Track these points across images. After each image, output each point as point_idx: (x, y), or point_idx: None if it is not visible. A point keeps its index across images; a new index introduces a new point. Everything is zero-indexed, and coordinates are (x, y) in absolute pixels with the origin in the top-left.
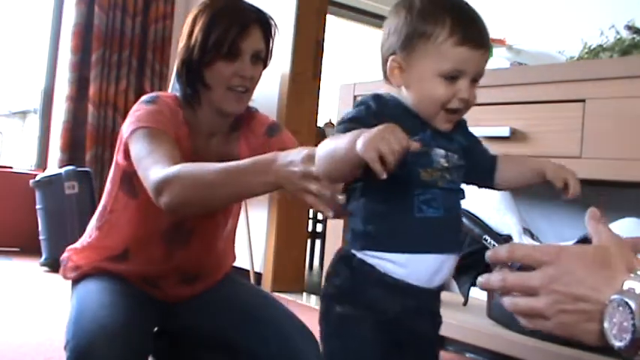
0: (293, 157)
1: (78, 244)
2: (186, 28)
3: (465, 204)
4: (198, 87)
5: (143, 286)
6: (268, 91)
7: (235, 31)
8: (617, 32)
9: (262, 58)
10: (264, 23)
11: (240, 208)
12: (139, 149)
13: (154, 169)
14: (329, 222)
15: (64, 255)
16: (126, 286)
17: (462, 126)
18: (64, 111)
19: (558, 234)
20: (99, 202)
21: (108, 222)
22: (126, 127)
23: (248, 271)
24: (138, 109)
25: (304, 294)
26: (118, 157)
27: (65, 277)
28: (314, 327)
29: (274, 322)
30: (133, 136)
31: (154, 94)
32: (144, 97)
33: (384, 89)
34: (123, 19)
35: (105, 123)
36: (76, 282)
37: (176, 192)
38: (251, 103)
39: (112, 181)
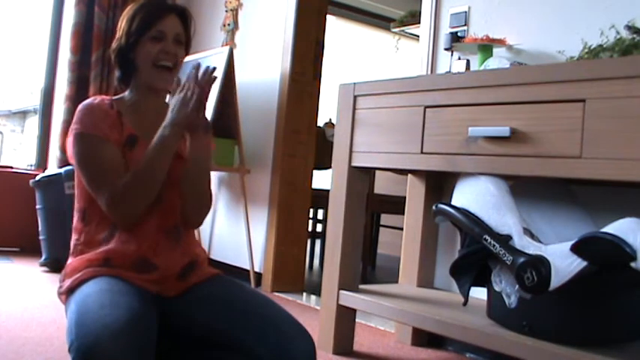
0: (169, 111)
1: (68, 265)
2: (118, 26)
3: (465, 204)
4: (130, 70)
5: (139, 276)
6: (268, 91)
7: (155, 17)
8: (617, 32)
9: (183, 42)
10: (180, 12)
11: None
12: (82, 162)
13: (103, 191)
14: (329, 222)
15: (60, 281)
16: (122, 285)
17: None
18: (64, 111)
19: (558, 234)
20: None
21: (91, 215)
22: (69, 138)
23: (248, 271)
24: (74, 122)
25: (304, 294)
26: (71, 159)
27: (61, 298)
28: (313, 326)
29: (271, 320)
30: (73, 144)
31: (84, 102)
32: (78, 108)
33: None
34: None
35: None
36: (71, 291)
37: (126, 205)
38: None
39: (81, 182)
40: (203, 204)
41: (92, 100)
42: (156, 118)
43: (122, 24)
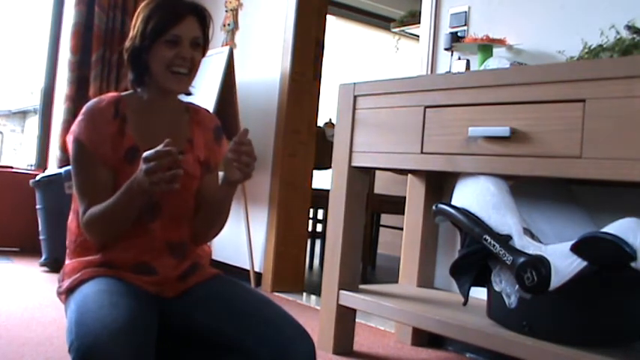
0: (140, 165)
1: (67, 265)
2: (132, 24)
3: (465, 204)
4: (143, 71)
5: (138, 277)
6: (268, 91)
7: (172, 19)
8: (617, 32)
9: (200, 44)
10: (199, 13)
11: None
12: (73, 170)
13: (80, 212)
14: (329, 222)
15: (59, 280)
16: (121, 285)
17: None
18: (64, 111)
19: (558, 234)
20: None
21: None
22: (68, 137)
23: (248, 271)
24: (74, 123)
25: (304, 294)
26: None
27: (61, 298)
28: (313, 326)
29: (271, 321)
30: (70, 146)
31: (92, 100)
32: (83, 107)
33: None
34: (123, 19)
35: None
36: (70, 292)
37: (93, 234)
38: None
39: None
40: (211, 228)
41: (98, 102)
42: (163, 122)
43: (137, 22)
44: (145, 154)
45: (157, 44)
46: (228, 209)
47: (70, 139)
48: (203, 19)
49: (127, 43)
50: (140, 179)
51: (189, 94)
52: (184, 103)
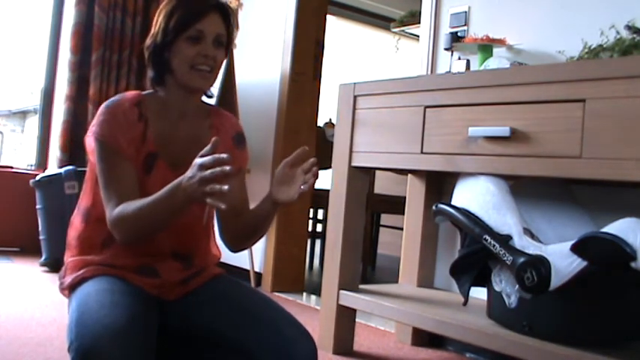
0: (190, 172)
1: (68, 261)
2: (154, 22)
3: (465, 204)
4: (164, 70)
5: (141, 279)
6: (268, 91)
7: (195, 15)
8: (617, 32)
9: (224, 43)
10: (222, 10)
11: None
12: (98, 170)
13: (107, 209)
14: (329, 222)
15: (60, 276)
16: (123, 284)
17: None
18: (64, 111)
19: (558, 234)
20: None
21: (93, 215)
22: (87, 137)
23: (248, 271)
24: (94, 122)
25: (304, 294)
26: (92, 158)
27: (64, 293)
28: (313, 326)
29: (272, 322)
30: (94, 147)
31: (113, 98)
32: (103, 105)
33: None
34: (123, 19)
35: None
36: (73, 288)
37: (123, 233)
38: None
39: (89, 179)
40: (248, 240)
41: (120, 102)
42: (183, 127)
43: (159, 19)
44: (202, 160)
45: (179, 41)
46: (268, 226)
47: (90, 139)
48: (227, 16)
49: (148, 41)
50: (187, 186)
51: (209, 96)
52: (207, 107)
